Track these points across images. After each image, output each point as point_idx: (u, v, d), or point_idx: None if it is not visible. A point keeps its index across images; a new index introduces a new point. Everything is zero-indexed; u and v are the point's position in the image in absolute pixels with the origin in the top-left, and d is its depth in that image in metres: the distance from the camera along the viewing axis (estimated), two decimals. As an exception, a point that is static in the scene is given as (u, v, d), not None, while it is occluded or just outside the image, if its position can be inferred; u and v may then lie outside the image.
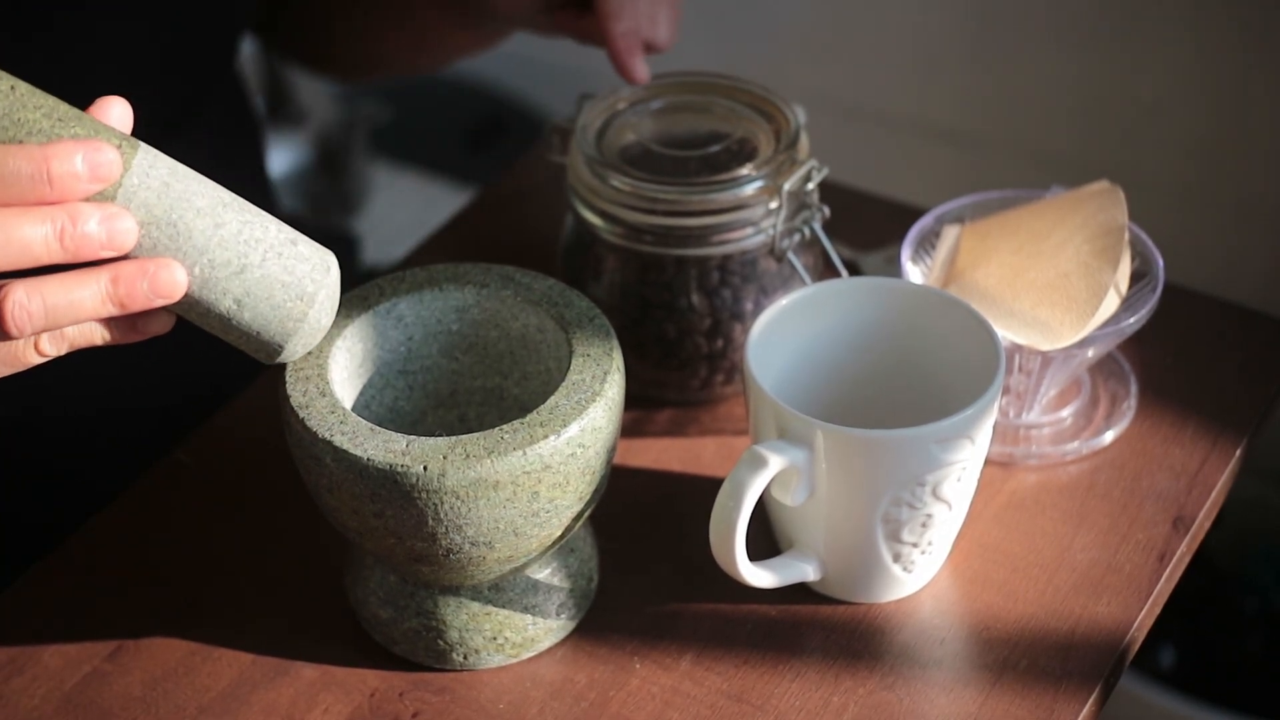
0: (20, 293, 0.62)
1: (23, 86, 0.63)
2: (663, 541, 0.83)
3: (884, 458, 0.74)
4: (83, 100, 0.66)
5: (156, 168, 0.64)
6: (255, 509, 0.86)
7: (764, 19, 1.70)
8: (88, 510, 0.87)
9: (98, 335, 0.65)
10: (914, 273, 0.85)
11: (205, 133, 0.95)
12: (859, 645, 0.78)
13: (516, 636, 0.77)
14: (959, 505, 0.77)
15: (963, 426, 0.74)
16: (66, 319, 0.63)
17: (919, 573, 0.79)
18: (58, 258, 0.62)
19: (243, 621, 0.80)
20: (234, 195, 0.66)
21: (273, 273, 0.66)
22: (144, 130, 0.71)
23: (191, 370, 0.98)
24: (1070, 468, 0.86)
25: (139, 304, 0.64)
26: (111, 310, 0.64)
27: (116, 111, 0.65)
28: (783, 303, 0.80)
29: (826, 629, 0.79)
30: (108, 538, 0.85)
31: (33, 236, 0.61)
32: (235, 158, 1.06)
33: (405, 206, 2.10)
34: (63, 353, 0.65)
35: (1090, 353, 0.83)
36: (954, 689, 0.76)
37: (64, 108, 0.63)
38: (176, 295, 0.65)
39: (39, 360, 0.65)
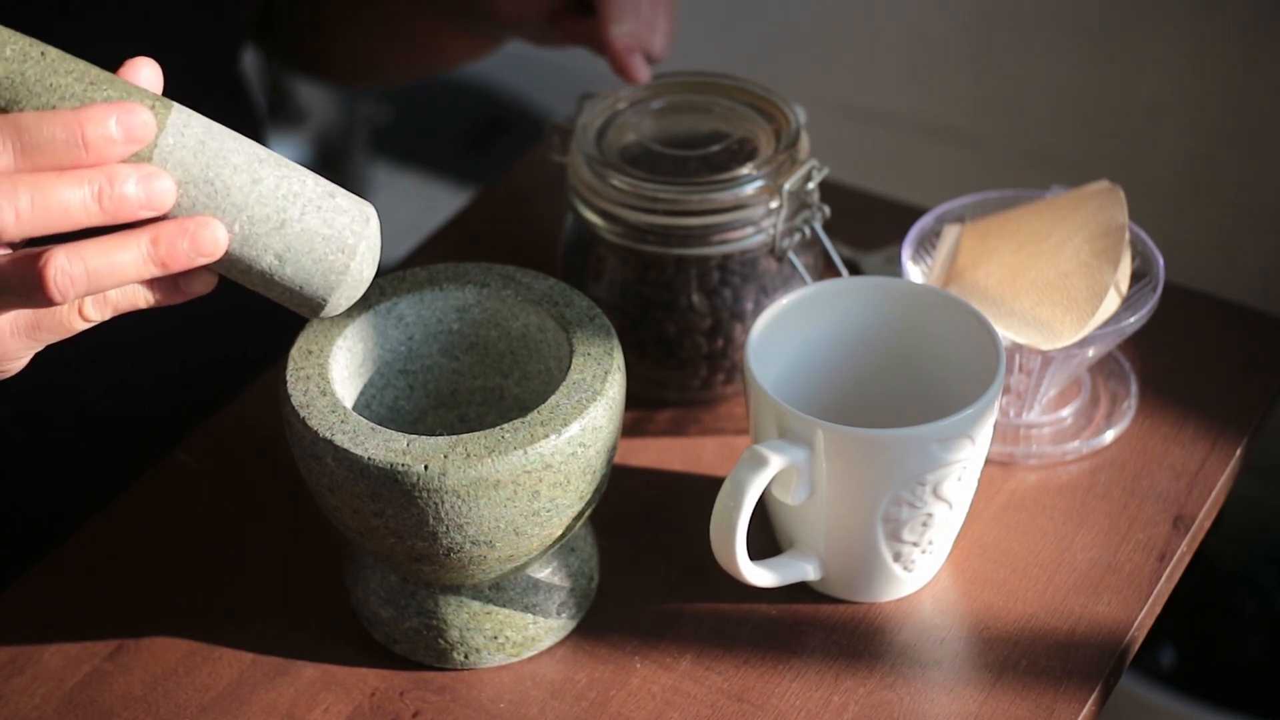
0: (61, 258, 0.61)
1: (53, 52, 0.63)
2: (663, 541, 0.83)
3: (884, 457, 0.74)
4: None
5: (191, 126, 0.64)
6: (255, 509, 0.86)
7: (764, 19, 1.70)
8: (88, 509, 0.87)
9: (141, 297, 0.65)
10: (914, 273, 0.85)
11: None
12: (859, 645, 0.78)
13: (517, 636, 0.77)
14: (959, 505, 0.77)
15: (963, 426, 0.74)
16: (109, 282, 0.63)
17: (919, 572, 0.79)
18: (96, 220, 0.62)
19: (243, 621, 0.80)
20: (269, 150, 0.66)
21: (312, 226, 0.66)
22: None
23: (192, 369, 0.98)
24: (1070, 468, 0.86)
25: (180, 264, 0.63)
26: (153, 271, 0.63)
27: (146, 73, 0.65)
28: (783, 303, 0.80)
29: (826, 629, 0.79)
30: (108, 537, 0.85)
31: (71, 199, 0.61)
32: None
33: (405, 206, 2.10)
34: (107, 317, 0.65)
35: (1090, 353, 0.83)
36: (954, 689, 0.76)
37: (95, 71, 0.63)
38: (218, 253, 0.64)
39: (83, 326, 0.64)
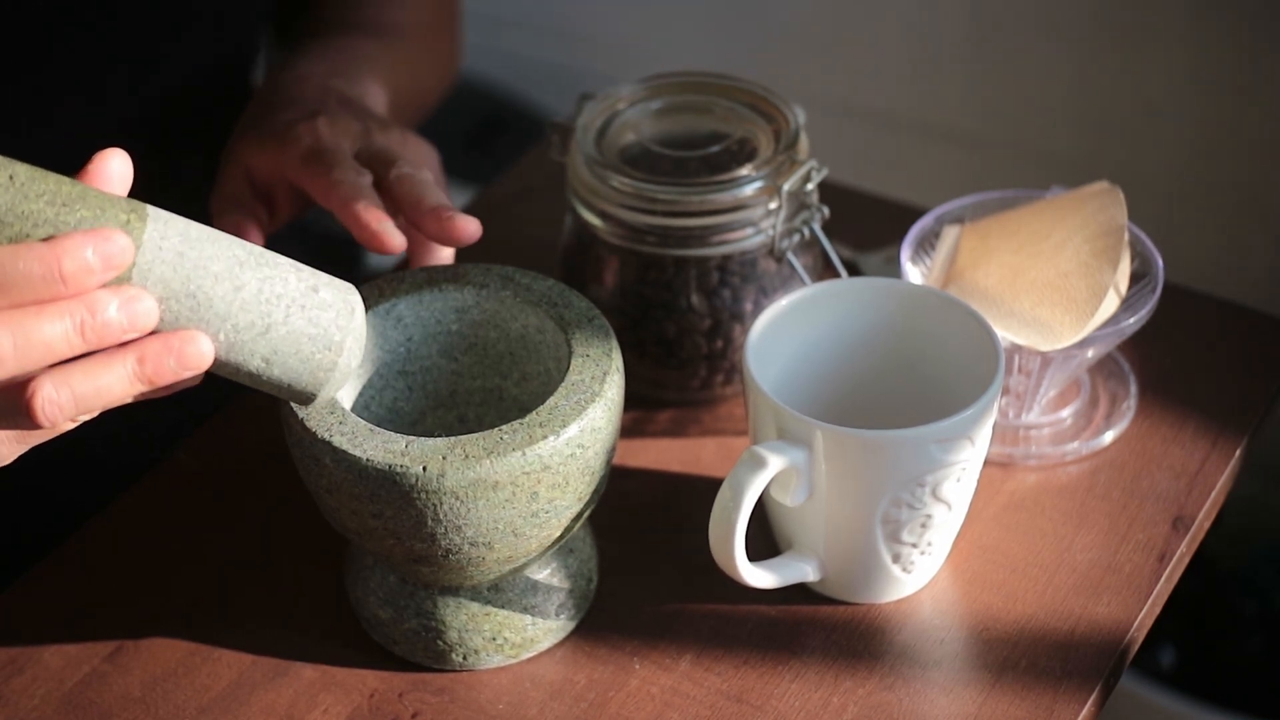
0: (48, 387, 0.61)
1: (21, 173, 0.61)
2: (663, 541, 0.83)
3: (884, 458, 0.74)
4: (85, 126, 0.64)
5: (169, 238, 0.63)
6: (255, 509, 0.86)
7: (764, 19, 1.70)
8: (88, 511, 0.87)
9: (128, 398, 0.65)
10: (914, 273, 0.85)
11: (218, 148, 0.95)
12: (859, 645, 0.78)
13: (516, 637, 0.77)
14: (959, 506, 0.77)
15: (963, 427, 0.74)
16: (96, 404, 0.62)
17: (919, 573, 0.79)
18: (80, 349, 0.61)
19: (243, 621, 0.80)
20: (248, 248, 0.65)
21: (298, 327, 0.65)
22: (156, 152, 0.69)
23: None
24: (1070, 468, 0.86)
25: (167, 379, 0.63)
26: (140, 389, 0.63)
27: (115, 166, 0.63)
28: (783, 303, 0.80)
29: (826, 629, 0.79)
30: (108, 538, 0.85)
31: (53, 334, 0.60)
32: None
33: (405, 206, 2.09)
34: (94, 415, 0.64)
35: (1090, 353, 0.83)
36: (954, 689, 0.76)
37: (66, 188, 0.61)
38: (204, 366, 0.64)
39: (71, 427, 0.64)
